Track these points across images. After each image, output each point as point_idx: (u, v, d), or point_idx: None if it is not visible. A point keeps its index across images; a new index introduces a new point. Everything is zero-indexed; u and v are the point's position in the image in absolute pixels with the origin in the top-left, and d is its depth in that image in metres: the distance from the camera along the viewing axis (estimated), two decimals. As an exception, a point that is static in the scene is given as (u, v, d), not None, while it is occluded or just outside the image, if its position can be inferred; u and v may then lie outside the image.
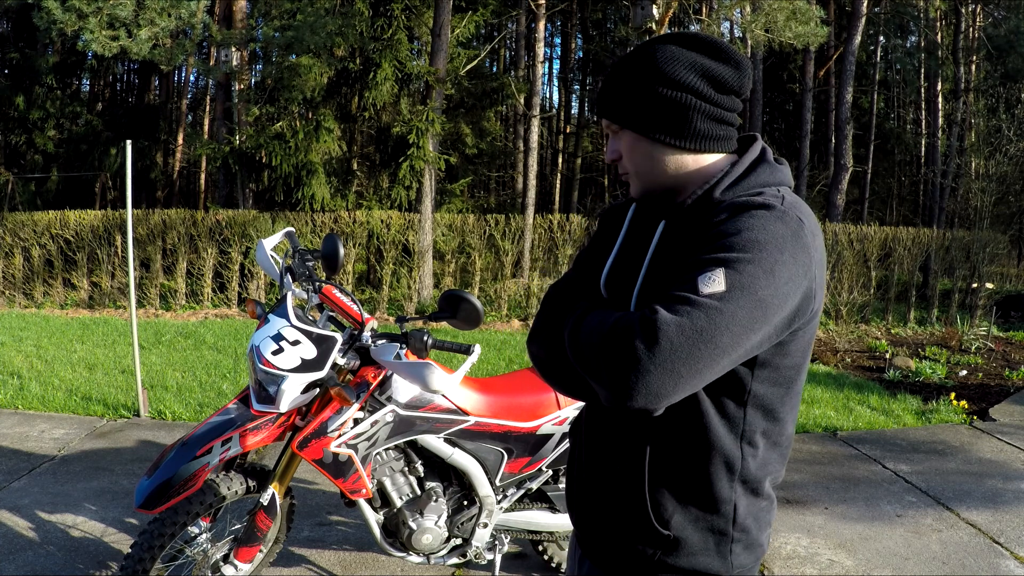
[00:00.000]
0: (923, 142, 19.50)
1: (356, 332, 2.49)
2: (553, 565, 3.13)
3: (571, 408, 2.79)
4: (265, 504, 2.50)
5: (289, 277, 2.64)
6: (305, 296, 2.61)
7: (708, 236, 1.16)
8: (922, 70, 18.92)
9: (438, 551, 2.73)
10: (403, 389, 2.53)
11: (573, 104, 24.75)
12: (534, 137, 13.99)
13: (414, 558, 2.70)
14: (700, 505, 1.27)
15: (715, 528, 1.28)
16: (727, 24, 15.27)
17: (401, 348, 2.34)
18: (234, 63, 11.57)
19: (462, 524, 2.73)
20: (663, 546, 1.28)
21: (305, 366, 2.35)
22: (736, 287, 1.08)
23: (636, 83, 1.25)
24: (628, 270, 1.33)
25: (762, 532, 1.34)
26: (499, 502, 2.79)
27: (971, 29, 16.42)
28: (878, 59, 19.99)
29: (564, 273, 1.51)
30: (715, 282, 1.08)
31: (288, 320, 2.42)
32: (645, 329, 1.06)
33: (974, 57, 16.38)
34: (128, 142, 5.40)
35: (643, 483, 1.27)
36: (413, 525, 2.62)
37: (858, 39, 13.38)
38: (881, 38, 20.20)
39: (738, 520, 1.28)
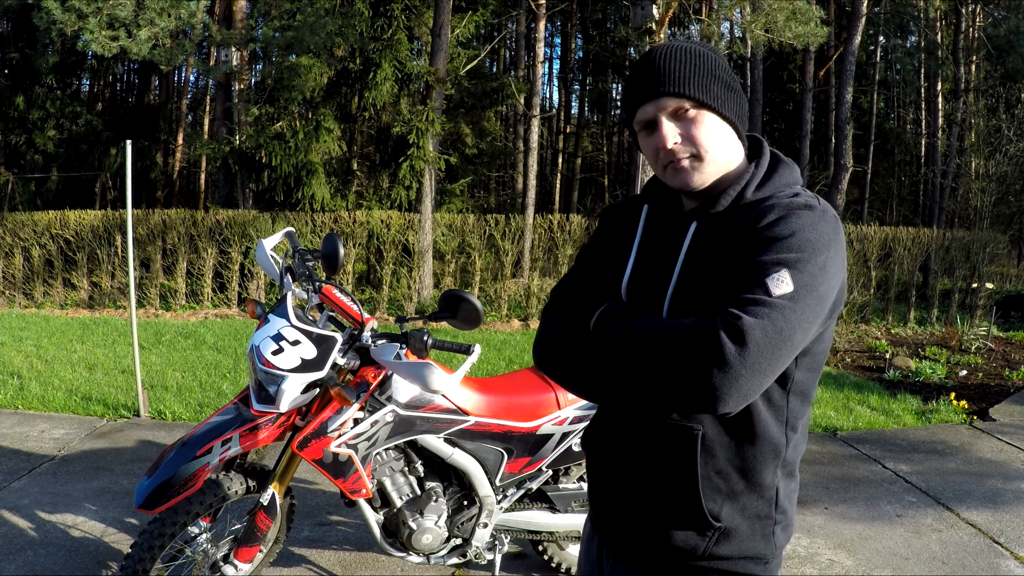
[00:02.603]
0: (923, 142, 19.50)
1: (356, 332, 2.49)
2: (553, 565, 3.13)
3: (571, 408, 2.79)
4: (265, 504, 2.50)
5: (289, 277, 2.64)
6: (305, 296, 2.61)
7: (759, 238, 1.21)
8: (922, 70, 18.91)
9: (438, 551, 2.73)
10: (403, 389, 2.53)
11: (573, 104, 24.77)
12: (534, 137, 13.99)
13: (414, 558, 2.70)
14: (748, 493, 1.31)
15: (761, 513, 1.33)
16: (727, 24, 15.27)
17: (401, 348, 2.34)
18: (234, 63, 11.56)
19: (462, 524, 2.73)
20: (714, 537, 1.31)
21: (305, 366, 2.35)
22: (801, 286, 1.16)
23: (714, 71, 1.30)
24: (655, 274, 1.34)
25: (794, 511, 1.40)
26: (499, 502, 2.79)
27: (971, 29, 16.41)
28: (878, 59, 19.99)
29: (565, 276, 1.50)
30: (784, 283, 1.15)
31: (288, 320, 2.42)
32: (732, 332, 1.11)
33: (974, 57, 16.38)
34: (128, 142, 5.40)
35: (695, 479, 1.29)
36: (413, 525, 2.62)
37: (858, 39, 13.37)
38: (881, 38, 20.19)
39: (779, 503, 1.35)
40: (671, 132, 1.29)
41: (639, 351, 1.19)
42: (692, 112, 1.29)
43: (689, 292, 1.27)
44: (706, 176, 1.31)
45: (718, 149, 1.30)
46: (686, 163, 1.30)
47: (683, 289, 1.28)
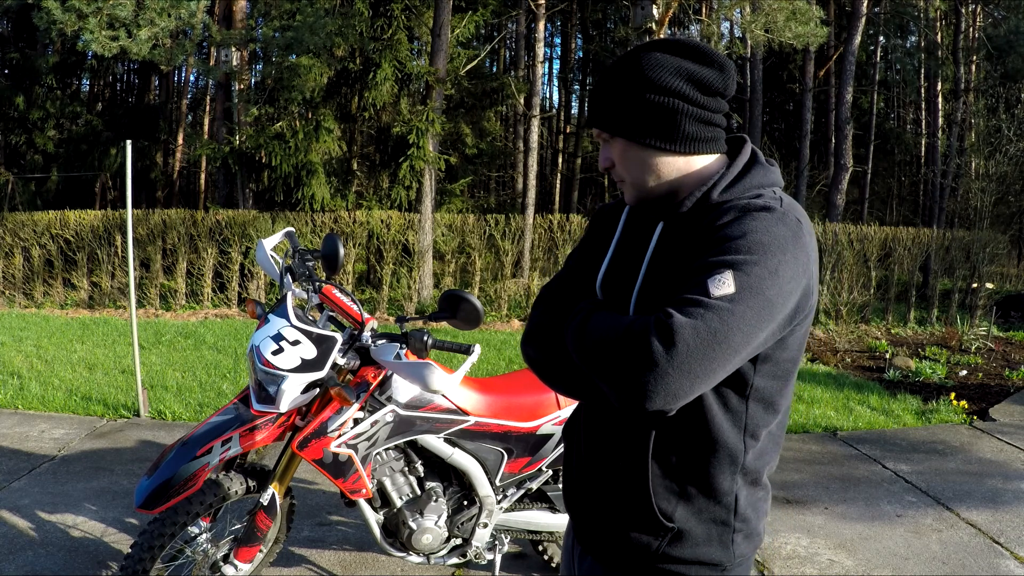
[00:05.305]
0: (923, 142, 19.50)
1: (356, 332, 2.48)
2: (553, 565, 3.13)
3: (571, 408, 2.79)
4: (265, 504, 2.50)
5: (289, 277, 2.64)
6: (305, 296, 2.61)
7: (712, 239, 1.19)
8: (922, 70, 18.91)
9: (438, 551, 2.73)
10: (403, 389, 2.53)
11: (573, 104, 24.77)
12: (534, 137, 13.99)
13: (414, 558, 2.70)
14: (703, 497, 1.30)
15: (717, 519, 1.31)
16: (727, 24, 15.27)
17: (401, 348, 2.33)
18: (234, 63, 11.56)
19: (462, 524, 2.73)
20: (667, 538, 1.31)
21: (305, 366, 2.35)
22: (745, 288, 1.12)
23: (624, 91, 1.27)
24: (625, 272, 1.35)
25: (760, 521, 1.37)
26: (499, 502, 2.79)
27: (971, 29, 16.41)
28: (878, 59, 19.99)
29: (556, 273, 1.51)
30: (725, 284, 1.12)
31: (288, 320, 2.42)
32: (661, 332, 1.10)
33: (974, 57, 16.38)
34: (128, 142, 5.40)
35: (647, 478, 1.29)
36: (413, 525, 2.62)
37: (858, 39, 13.38)
38: (881, 38, 20.20)
39: (739, 511, 1.32)
40: (603, 157, 1.34)
41: (587, 348, 1.19)
42: (609, 138, 1.31)
43: (653, 291, 1.27)
44: (637, 195, 1.33)
45: (634, 171, 1.30)
46: (620, 183, 1.35)
47: (648, 288, 1.29)
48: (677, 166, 1.30)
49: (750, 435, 1.29)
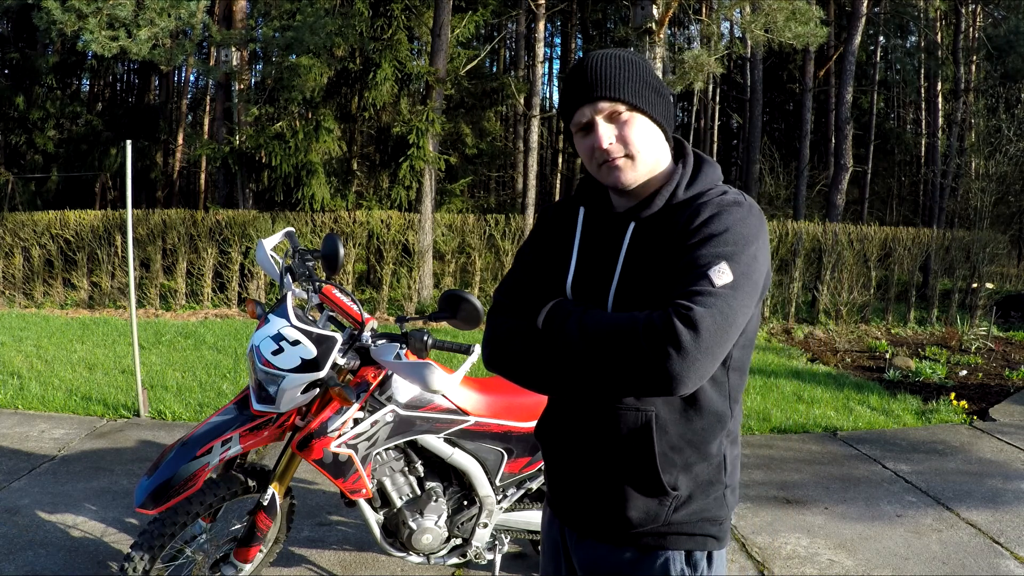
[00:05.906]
0: (923, 142, 19.51)
1: (356, 332, 2.48)
2: (553, 565, 3.12)
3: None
4: (265, 504, 2.50)
5: (289, 277, 2.63)
6: (305, 296, 2.60)
7: (698, 235, 1.33)
8: (922, 70, 18.92)
9: (438, 551, 2.73)
10: (403, 389, 2.53)
11: (573, 104, 24.71)
12: (534, 137, 13.99)
13: (414, 558, 2.70)
14: (701, 463, 1.43)
15: (713, 480, 1.46)
16: (727, 24, 15.26)
17: (401, 348, 2.33)
18: (234, 63, 11.55)
19: (462, 524, 2.73)
20: (672, 506, 1.43)
21: (305, 366, 2.35)
22: (739, 275, 1.29)
23: (644, 78, 1.41)
24: (597, 272, 1.44)
25: (738, 476, 1.55)
26: (499, 502, 2.79)
27: (971, 29, 16.41)
28: (878, 59, 19.99)
29: (506, 277, 1.60)
30: (725, 274, 1.28)
31: (288, 320, 2.42)
32: (686, 322, 1.23)
33: (974, 57, 16.38)
34: (128, 142, 5.40)
35: (653, 456, 1.39)
36: (413, 525, 2.62)
37: (858, 39, 13.37)
38: (881, 38, 20.20)
39: (727, 469, 1.49)
40: (607, 133, 1.40)
41: (598, 344, 1.28)
42: (625, 115, 1.40)
43: (631, 288, 1.38)
44: (638, 174, 1.42)
45: (648, 149, 1.41)
46: (620, 162, 1.41)
47: (625, 286, 1.39)
48: (663, 154, 1.46)
49: (733, 400, 1.45)
